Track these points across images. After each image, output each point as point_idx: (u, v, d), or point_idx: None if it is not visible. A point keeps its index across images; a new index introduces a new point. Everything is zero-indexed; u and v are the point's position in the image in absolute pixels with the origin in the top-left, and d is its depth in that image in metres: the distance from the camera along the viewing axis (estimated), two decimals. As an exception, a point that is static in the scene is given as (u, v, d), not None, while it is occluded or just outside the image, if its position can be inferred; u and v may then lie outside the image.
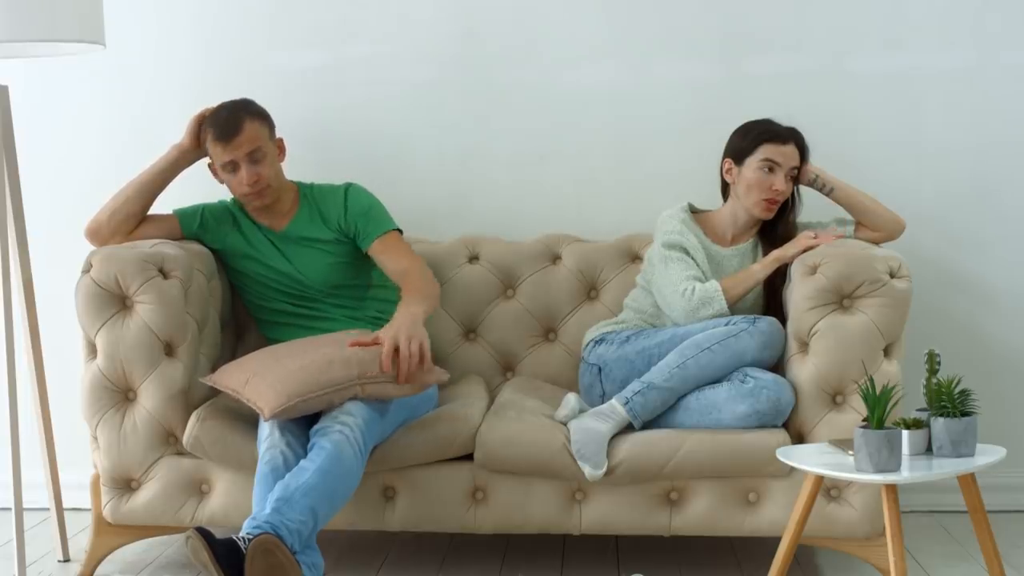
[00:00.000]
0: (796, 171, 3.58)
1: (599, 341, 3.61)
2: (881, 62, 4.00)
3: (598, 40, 4.04)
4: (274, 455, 3.18)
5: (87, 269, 3.40)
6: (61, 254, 3.90)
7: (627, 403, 3.34)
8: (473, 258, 3.92)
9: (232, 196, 3.70)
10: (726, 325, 3.39)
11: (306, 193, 3.70)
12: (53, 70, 4.08)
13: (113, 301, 3.39)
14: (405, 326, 3.29)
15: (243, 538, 2.96)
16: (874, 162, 4.00)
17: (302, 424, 3.26)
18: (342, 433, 3.14)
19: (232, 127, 3.53)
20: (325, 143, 4.08)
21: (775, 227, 3.64)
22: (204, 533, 2.93)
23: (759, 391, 3.31)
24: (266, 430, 3.24)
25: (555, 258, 3.91)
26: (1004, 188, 4.02)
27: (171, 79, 4.10)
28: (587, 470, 3.25)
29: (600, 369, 3.56)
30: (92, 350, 3.42)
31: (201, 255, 3.59)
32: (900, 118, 4.01)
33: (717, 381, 3.36)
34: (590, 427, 3.29)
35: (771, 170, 3.56)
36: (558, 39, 4.04)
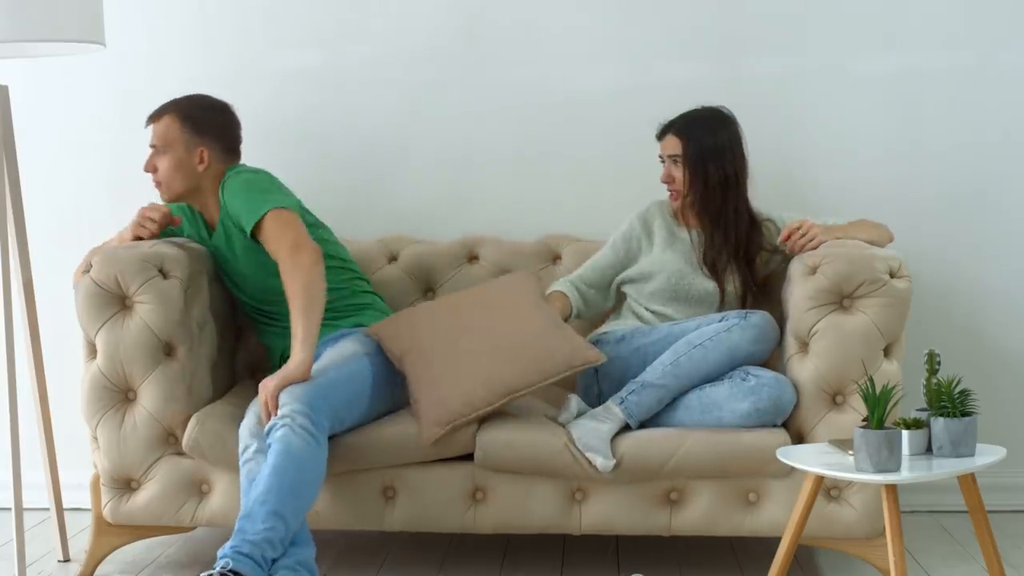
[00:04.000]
0: (681, 157, 3.61)
1: (595, 342, 3.61)
2: (881, 62, 4.00)
3: (598, 40, 4.04)
4: (251, 468, 3.21)
5: (87, 269, 3.40)
6: (61, 254, 3.90)
7: (622, 403, 3.34)
8: (473, 258, 3.91)
9: None
10: (720, 321, 3.40)
11: (221, 191, 3.55)
12: (53, 70, 4.08)
13: (113, 301, 3.39)
14: (278, 378, 3.24)
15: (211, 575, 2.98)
16: (874, 162, 4.01)
17: None
18: (285, 426, 3.13)
19: (155, 111, 3.58)
20: (324, 143, 4.08)
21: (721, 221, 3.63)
22: None
23: (760, 389, 3.31)
24: (243, 443, 3.25)
25: (555, 258, 3.91)
26: (1004, 188, 4.02)
27: (171, 79, 4.09)
28: (599, 461, 3.25)
29: (597, 370, 3.56)
30: (92, 350, 3.42)
31: (201, 255, 3.59)
32: (900, 118, 4.01)
33: (713, 377, 3.37)
34: (590, 425, 3.30)
35: (663, 163, 3.67)
36: (558, 39, 4.04)
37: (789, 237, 3.51)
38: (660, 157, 3.67)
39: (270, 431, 3.16)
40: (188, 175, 3.55)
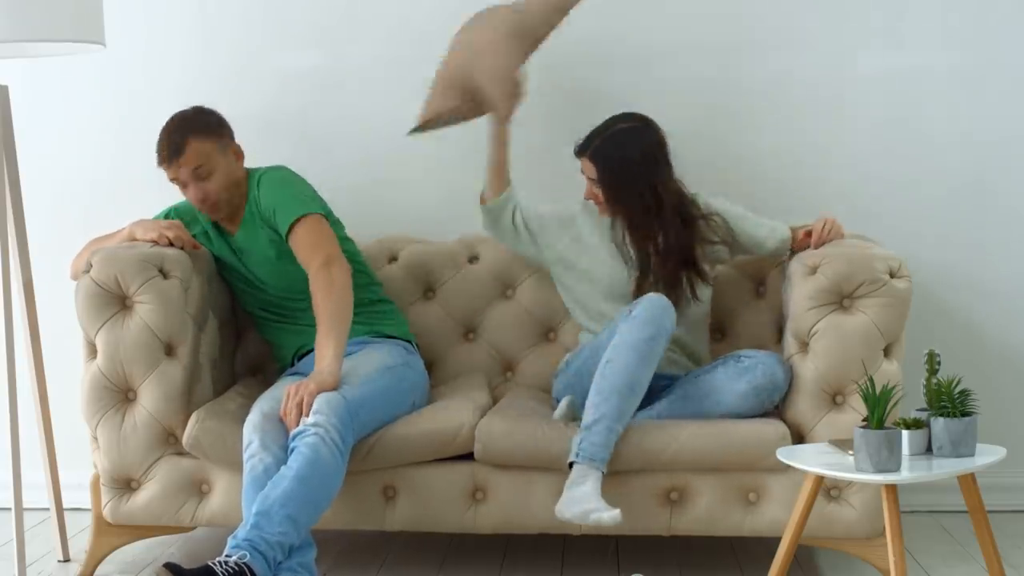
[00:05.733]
0: (592, 180, 3.58)
1: (555, 375, 3.65)
2: (881, 62, 4.00)
3: (598, 40, 4.03)
4: (254, 464, 3.19)
5: (87, 269, 3.40)
6: (61, 254, 3.89)
7: (578, 455, 3.25)
8: (473, 258, 3.92)
9: None
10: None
11: (250, 187, 3.58)
12: (53, 70, 4.08)
13: (113, 301, 3.39)
14: (313, 384, 3.24)
15: (221, 562, 2.97)
16: (874, 162, 4.01)
17: (282, 428, 3.25)
18: (317, 435, 3.13)
19: (175, 148, 3.47)
20: (324, 143, 4.08)
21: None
22: (173, 568, 2.95)
23: (755, 367, 3.35)
24: (246, 439, 3.25)
25: (555, 258, 3.91)
26: (1004, 188, 4.02)
27: (170, 79, 4.10)
28: (604, 518, 3.14)
29: (559, 401, 3.56)
30: (92, 350, 3.42)
31: (201, 255, 3.59)
32: (900, 118, 4.01)
33: (639, 378, 3.29)
34: (574, 495, 3.21)
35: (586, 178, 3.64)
36: (558, 39, 4.03)
37: (814, 237, 3.53)
38: (582, 172, 3.63)
39: (299, 435, 3.16)
40: (234, 176, 3.55)
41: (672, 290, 3.53)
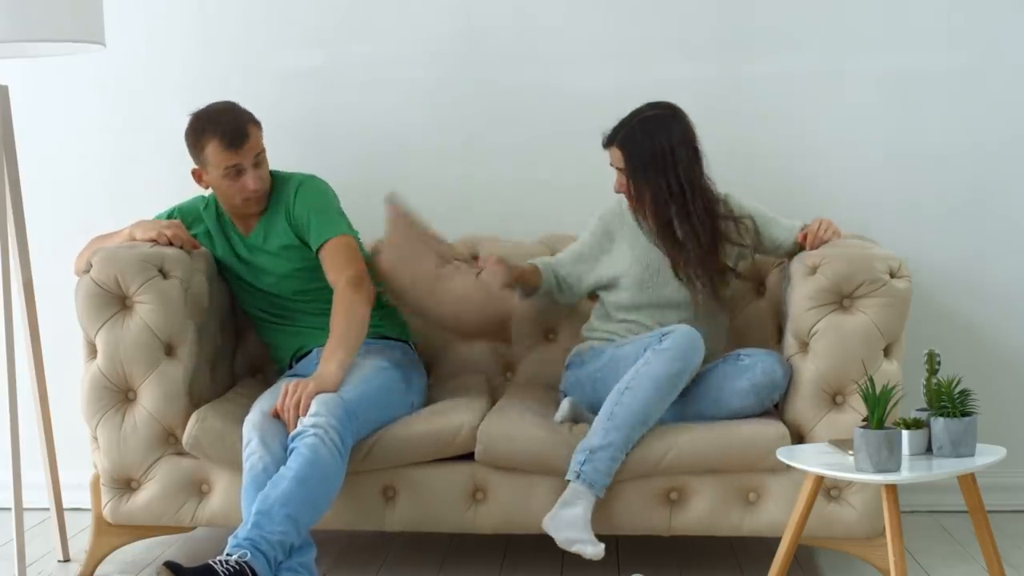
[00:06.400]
0: (621, 170, 3.56)
1: (568, 366, 3.63)
2: (881, 62, 4.00)
3: (598, 40, 4.04)
4: (253, 463, 3.19)
5: (87, 269, 3.40)
6: (61, 254, 3.89)
7: (579, 477, 3.25)
8: (473, 258, 3.91)
9: (205, 196, 3.66)
10: (643, 350, 3.36)
11: (281, 190, 3.61)
12: (53, 70, 4.08)
13: (113, 301, 3.39)
14: (313, 383, 3.26)
15: (222, 561, 2.97)
16: (874, 162, 4.01)
17: (282, 427, 3.25)
18: (316, 436, 3.13)
19: (240, 133, 3.47)
20: (324, 143, 4.08)
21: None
22: (173, 567, 2.95)
23: (754, 366, 3.36)
24: (246, 437, 3.24)
25: (555, 258, 3.91)
26: (1004, 188, 4.02)
27: (170, 79, 4.10)
28: (588, 551, 3.19)
29: (566, 396, 3.55)
30: (92, 350, 3.42)
31: (201, 255, 3.59)
32: (900, 118, 4.01)
33: (655, 410, 3.30)
34: (564, 516, 3.23)
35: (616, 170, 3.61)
36: (558, 39, 4.05)
37: (807, 238, 3.52)
38: (611, 164, 3.61)
39: (298, 435, 3.16)
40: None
41: (706, 269, 3.50)
